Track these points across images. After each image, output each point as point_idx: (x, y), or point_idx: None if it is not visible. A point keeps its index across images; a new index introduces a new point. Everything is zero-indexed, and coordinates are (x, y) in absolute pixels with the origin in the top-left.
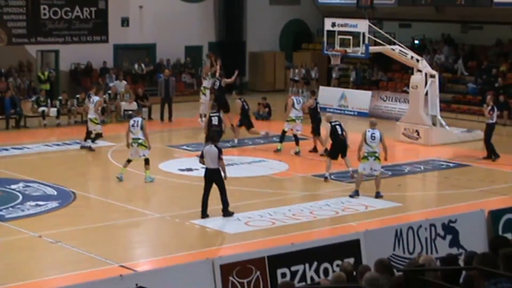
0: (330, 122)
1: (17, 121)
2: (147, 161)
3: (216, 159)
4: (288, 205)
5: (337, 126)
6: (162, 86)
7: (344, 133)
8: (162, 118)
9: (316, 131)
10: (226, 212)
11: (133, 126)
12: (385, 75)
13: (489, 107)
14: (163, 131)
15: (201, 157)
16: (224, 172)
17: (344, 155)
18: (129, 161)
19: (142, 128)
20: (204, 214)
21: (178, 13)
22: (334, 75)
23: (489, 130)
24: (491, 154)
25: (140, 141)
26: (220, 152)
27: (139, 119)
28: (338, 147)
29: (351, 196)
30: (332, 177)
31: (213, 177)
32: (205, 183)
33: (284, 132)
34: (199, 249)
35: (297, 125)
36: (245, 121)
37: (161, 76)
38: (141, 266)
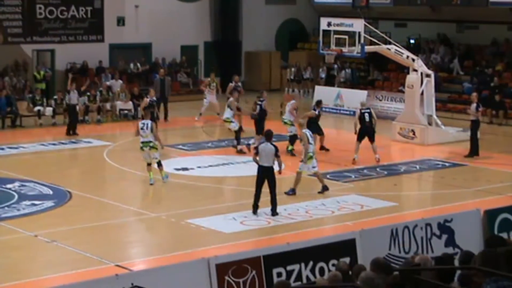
0: (360, 109)
1: (13, 121)
2: (159, 164)
3: (272, 156)
4: (284, 205)
5: (366, 114)
6: (157, 86)
7: (373, 120)
8: (157, 118)
9: (318, 132)
10: (275, 212)
11: (142, 129)
12: (380, 74)
13: (474, 105)
14: (159, 131)
15: (256, 154)
16: (280, 166)
17: (371, 140)
18: (149, 164)
19: (152, 130)
20: (255, 211)
21: (173, 12)
22: (322, 75)
23: (475, 127)
24: (473, 152)
25: (151, 144)
26: (276, 149)
27: (148, 121)
28: (364, 132)
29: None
30: (328, 176)
31: (266, 174)
32: (257, 181)
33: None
34: (195, 248)
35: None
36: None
37: (156, 76)
38: (136, 266)
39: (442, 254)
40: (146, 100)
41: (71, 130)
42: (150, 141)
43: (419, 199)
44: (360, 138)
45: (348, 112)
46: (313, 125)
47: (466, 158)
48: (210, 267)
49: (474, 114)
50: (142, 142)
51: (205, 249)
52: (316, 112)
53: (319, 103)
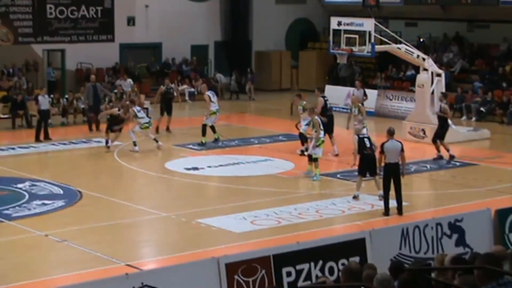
0: (358, 135)
1: (28, 121)
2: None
3: (398, 152)
4: (294, 204)
5: (366, 140)
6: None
7: (373, 147)
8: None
9: (328, 129)
10: (401, 211)
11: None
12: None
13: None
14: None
15: (381, 153)
16: (403, 166)
17: (373, 173)
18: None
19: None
20: (387, 211)
21: (184, 12)
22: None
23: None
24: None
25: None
26: (402, 145)
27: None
28: (366, 163)
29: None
30: (338, 176)
31: (393, 171)
32: (384, 179)
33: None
34: (205, 248)
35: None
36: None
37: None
38: (147, 265)
39: (457, 255)
40: (162, 88)
41: (44, 135)
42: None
43: (430, 198)
44: (363, 171)
45: None
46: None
47: (477, 158)
48: (220, 266)
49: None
50: (147, 122)
51: (215, 248)
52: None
53: (320, 89)
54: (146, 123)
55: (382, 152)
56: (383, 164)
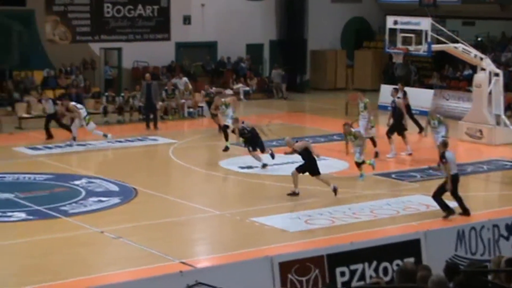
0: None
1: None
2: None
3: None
4: (348, 204)
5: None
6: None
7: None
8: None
9: (398, 130)
10: (468, 211)
11: None
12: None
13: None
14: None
15: (444, 163)
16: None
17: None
18: None
19: None
20: (451, 211)
21: (239, 11)
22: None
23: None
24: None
25: None
26: None
27: None
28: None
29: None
30: (393, 176)
31: (459, 180)
32: (455, 190)
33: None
34: (259, 246)
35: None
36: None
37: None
38: (200, 263)
39: None
40: (203, 92)
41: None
42: None
43: (486, 200)
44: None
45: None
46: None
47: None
48: (274, 265)
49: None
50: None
51: (268, 247)
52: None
53: (397, 90)
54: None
55: (446, 162)
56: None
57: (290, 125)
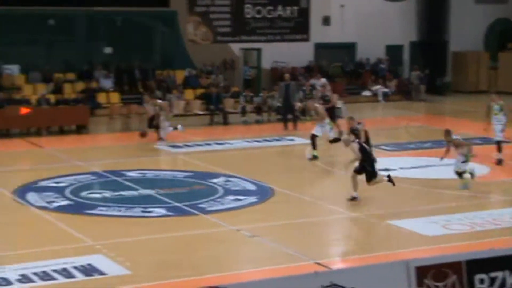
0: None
1: (224, 117)
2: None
3: None
4: (488, 210)
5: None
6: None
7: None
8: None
9: None
10: None
11: None
12: None
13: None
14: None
15: None
16: None
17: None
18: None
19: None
20: None
21: (379, 11)
22: None
23: None
24: None
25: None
26: None
27: None
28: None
29: None
30: None
31: None
32: None
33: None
34: (394, 250)
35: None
36: None
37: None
38: (334, 264)
39: None
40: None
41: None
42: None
43: None
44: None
45: None
46: None
47: None
48: (410, 269)
49: None
50: None
51: (405, 251)
52: None
53: None
54: None
55: None
56: None
57: (429, 127)
